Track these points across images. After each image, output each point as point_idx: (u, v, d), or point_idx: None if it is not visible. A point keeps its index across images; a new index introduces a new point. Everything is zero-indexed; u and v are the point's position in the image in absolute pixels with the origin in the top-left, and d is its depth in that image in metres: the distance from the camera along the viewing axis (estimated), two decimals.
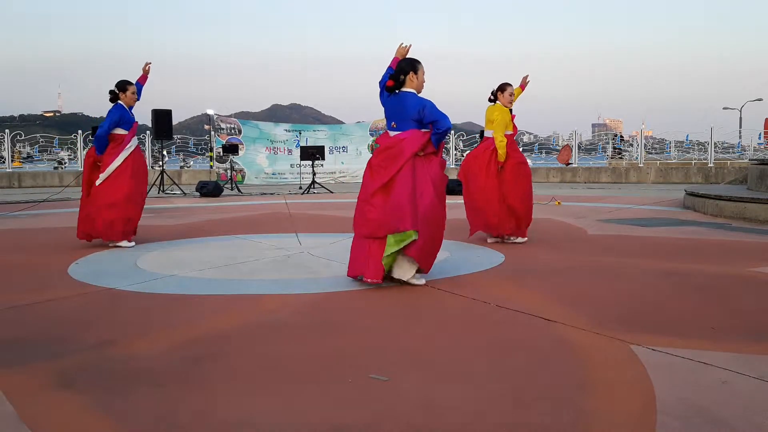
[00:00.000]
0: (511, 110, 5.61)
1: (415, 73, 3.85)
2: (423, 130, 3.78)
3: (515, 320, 3.05)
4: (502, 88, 5.64)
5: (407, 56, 3.97)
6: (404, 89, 3.85)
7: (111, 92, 5.59)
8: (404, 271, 3.79)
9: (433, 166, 3.83)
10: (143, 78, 5.87)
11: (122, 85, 5.60)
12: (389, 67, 4.00)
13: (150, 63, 6.00)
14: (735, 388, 2.12)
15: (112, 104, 5.56)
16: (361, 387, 2.17)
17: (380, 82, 3.99)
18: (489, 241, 5.68)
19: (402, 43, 4.07)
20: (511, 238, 5.66)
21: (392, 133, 3.84)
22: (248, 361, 2.46)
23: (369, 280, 3.72)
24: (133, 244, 5.53)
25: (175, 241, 5.87)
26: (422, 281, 3.87)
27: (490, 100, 5.68)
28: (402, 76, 3.83)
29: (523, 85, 6.03)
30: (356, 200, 3.90)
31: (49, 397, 2.10)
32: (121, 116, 5.50)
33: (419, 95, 3.87)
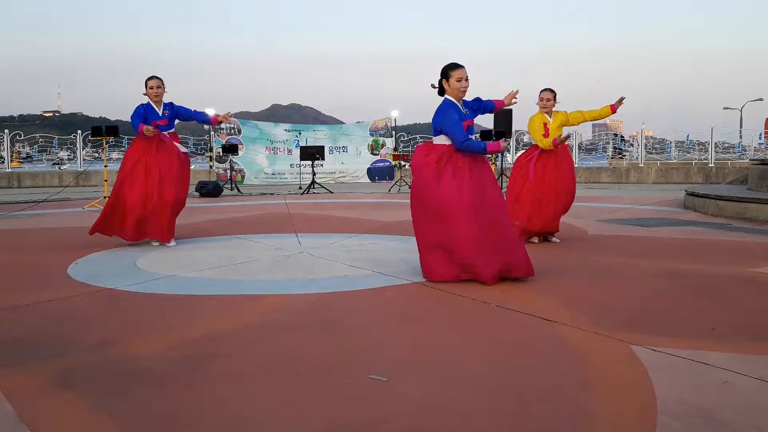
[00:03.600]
0: (549, 113, 5.55)
1: (447, 80, 3.86)
2: (448, 143, 3.83)
3: (515, 320, 3.05)
4: (539, 95, 5.67)
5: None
6: (445, 96, 3.91)
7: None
8: None
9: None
10: (214, 119, 5.85)
11: (145, 81, 5.61)
12: None
13: (230, 114, 5.92)
14: (735, 389, 2.12)
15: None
16: (361, 387, 2.17)
17: None
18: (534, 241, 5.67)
19: None
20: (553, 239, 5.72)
21: (435, 141, 3.90)
22: (248, 361, 2.46)
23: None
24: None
25: (175, 241, 5.86)
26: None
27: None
28: (436, 86, 3.92)
29: (614, 107, 5.41)
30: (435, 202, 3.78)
31: (49, 398, 2.09)
32: (145, 112, 5.47)
33: (451, 101, 3.87)
